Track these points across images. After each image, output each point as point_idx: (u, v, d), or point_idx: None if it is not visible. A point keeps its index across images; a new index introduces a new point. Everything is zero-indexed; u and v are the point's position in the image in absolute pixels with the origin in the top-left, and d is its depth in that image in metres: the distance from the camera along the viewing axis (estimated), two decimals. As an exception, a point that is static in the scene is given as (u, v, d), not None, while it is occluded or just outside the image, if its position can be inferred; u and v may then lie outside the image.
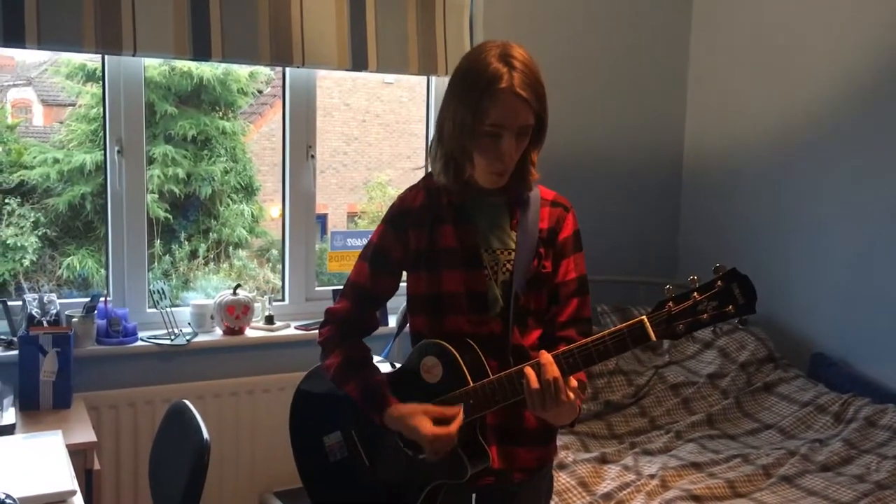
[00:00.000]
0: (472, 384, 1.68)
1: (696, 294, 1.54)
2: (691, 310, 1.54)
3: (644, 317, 1.56)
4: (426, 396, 1.73)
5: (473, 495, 1.87)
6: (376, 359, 1.87)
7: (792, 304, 3.51)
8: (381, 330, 1.95)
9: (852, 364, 3.25)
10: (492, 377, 1.67)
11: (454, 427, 1.65)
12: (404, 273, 1.84)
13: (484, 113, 1.60)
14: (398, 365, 1.88)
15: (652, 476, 2.60)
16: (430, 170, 1.81)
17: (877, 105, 3.17)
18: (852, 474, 2.64)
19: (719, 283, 1.54)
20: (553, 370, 1.56)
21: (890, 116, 3.12)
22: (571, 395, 1.59)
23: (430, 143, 1.78)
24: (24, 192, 4.95)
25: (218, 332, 3.20)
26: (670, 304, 1.55)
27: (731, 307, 1.52)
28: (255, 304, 3.26)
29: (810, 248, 3.44)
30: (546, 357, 1.58)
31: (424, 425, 1.66)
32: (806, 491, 2.54)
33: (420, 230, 1.76)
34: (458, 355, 1.70)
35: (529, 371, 1.58)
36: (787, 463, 2.70)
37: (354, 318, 1.84)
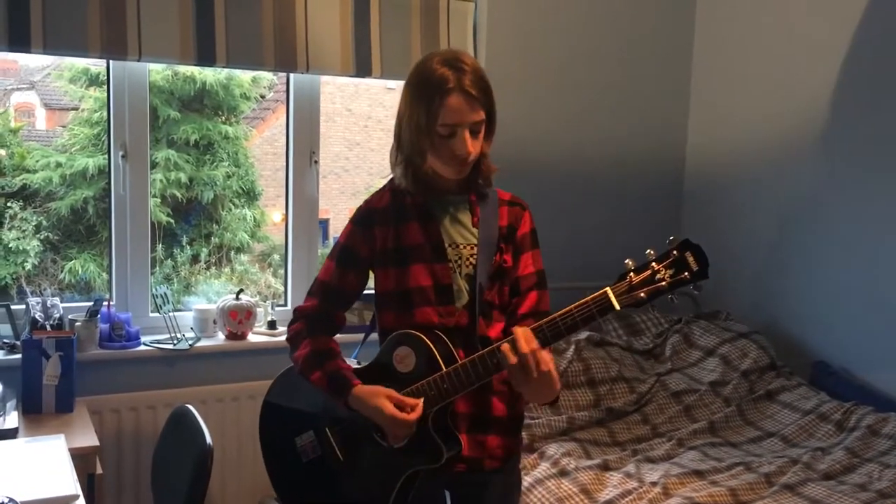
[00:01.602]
0: (444, 369, 1.76)
1: (653, 264, 1.66)
2: (650, 279, 1.66)
3: (608, 288, 1.67)
4: (400, 386, 1.80)
5: (447, 492, 1.92)
6: (349, 361, 1.94)
7: (794, 312, 3.51)
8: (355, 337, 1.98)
9: (855, 372, 3.25)
10: (463, 360, 1.75)
11: (413, 416, 1.73)
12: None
13: (437, 114, 1.73)
14: (365, 363, 1.94)
15: (654, 483, 2.59)
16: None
17: (879, 111, 3.17)
18: (855, 483, 2.63)
19: (674, 252, 1.66)
20: (531, 342, 1.65)
21: (893, 123, 3.12)
22: (551, 365, 1.67)
23: (390, 150, 1.88)
24: (27, 195, 4.95)
25: (220, 336, 3.20)
26: (631, 274, 1.67)
27: (686, 274, 1.64)
28: (258, 309, 3.26)
29: (812, 255, 3.44)
30: (520, 330, 1.66)
31: (386, 406, 1.74)
32: (808, 499, 2.53)
33: (386, 228, 1.86)
34: (430, 344, 1.78)
35: (506, 346, 1.66)
36: (790, 471, 2.69)
37: (322, 314, 1.92)
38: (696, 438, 3.00)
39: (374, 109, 6.76)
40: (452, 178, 1.81)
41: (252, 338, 3.21)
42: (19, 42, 2.70)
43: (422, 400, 1.75)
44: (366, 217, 1.90)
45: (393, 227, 1.85)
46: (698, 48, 3.98)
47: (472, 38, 3.46)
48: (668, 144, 4.02)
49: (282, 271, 3.59)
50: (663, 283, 1.64)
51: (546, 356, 1.66)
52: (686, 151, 4.05)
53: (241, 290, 3.23)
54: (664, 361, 3.46)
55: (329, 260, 1.93)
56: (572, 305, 1.67)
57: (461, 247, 1.85)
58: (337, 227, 6.45)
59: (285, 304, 3.43)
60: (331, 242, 3.93)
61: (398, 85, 6.46)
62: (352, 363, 1.95)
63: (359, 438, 1.86)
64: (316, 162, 3.36)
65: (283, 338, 3.17)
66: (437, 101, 1.72)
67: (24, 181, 4.91)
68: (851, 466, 2.73)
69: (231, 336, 3.17)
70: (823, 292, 3.39)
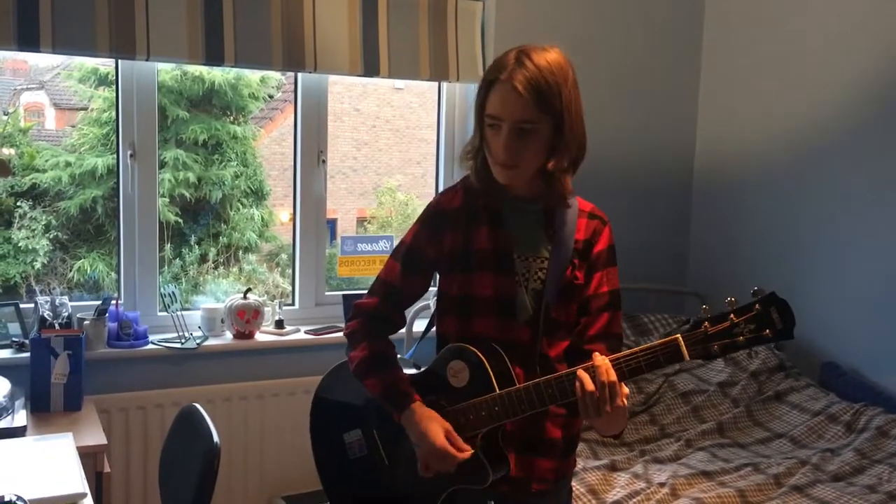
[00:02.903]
0: (497, 391, 1.68)
1: (733, 316, 1.53)
2: (727, 332, 1.53)
3: (679, 336, 1.55)
4: (450, 400, 1.73)
5: (491, 502, 1.85)
6: (400, 357, 1.87)
7: (803, 312, 3.44)
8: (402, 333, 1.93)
9: (864, 373, 3.23)
10: (519, 386, 1.66)
11: (462, 455, 1.66)
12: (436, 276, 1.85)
13: (485, 102, 1.66)
14: (421, 367, 1.88)
15: (662, 484, 2.59)
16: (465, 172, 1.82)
17: (891, 113, 3.15)
18: (864, 484, 2.62)
19: (757, 306, 1.52)
20: (610, 373, 1.55)
21: (903, 124, 3.11)
22: (625, 400, 1.57)
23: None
24: (36, 195, 4.97)
25: (228, 335, 3.20)
26: (706, 324, 1.54)
27: (768, 331, 1.51)
28: (266, 309, 3.27)
29: (822, 255, 3.42)
30: (601, 360, 1.56)
31: (440, 437, 1.67)
32: (817, 501, 2.52)
33: (456, 231, 1.77)
34: (485, 361, 1.69)
35: (583, 374, 1.57)
36: (799, 472, 2.68)
37: (382, 314, 1.84)
38: (704, 439, 2.99)
39: (382, 109, 6.75)
40: (501, 180, 1.69)
41: (260, 337, 3.22)
42: (28, 42, 2.71)
43: (471, 451, 1.68)
44: (435, 218, 1.80)
45: (463, 231, 1.75)
46: (707, 46, 3.97)
47: (481, 37, 3.46)
48: (677, 143, 4.00)
49: (289, 271, 3.59)
50: (740, 339, 1.52)
51: (623, 390, 1.57)
52: (695, 151, 4.04)
53: (248, 290, 3.24)
54: (672, 362, 3.44)
55: (393, 259, 1.84)
56: (637, 349, 1.57)
57: (531, 259, 1.74)
58: (345, 227, 6.46)
59: (293, 304, 3.43)
60: (338, 242, 3.93)
61: (406, 84, 6.42)
62: (405, 366, 1.87)
63: (404, 446, 1.80)
64: (324, 162, 3.36)
65: (292, 336, 3.22)
66: (487, 90, 1.65)
67: (34, 181, 4.93)
68: (861, 468, 2.72)
69: (239, 335, 3.18)
70: (833, 293, 3.38)
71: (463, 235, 1.75)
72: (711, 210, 3.96)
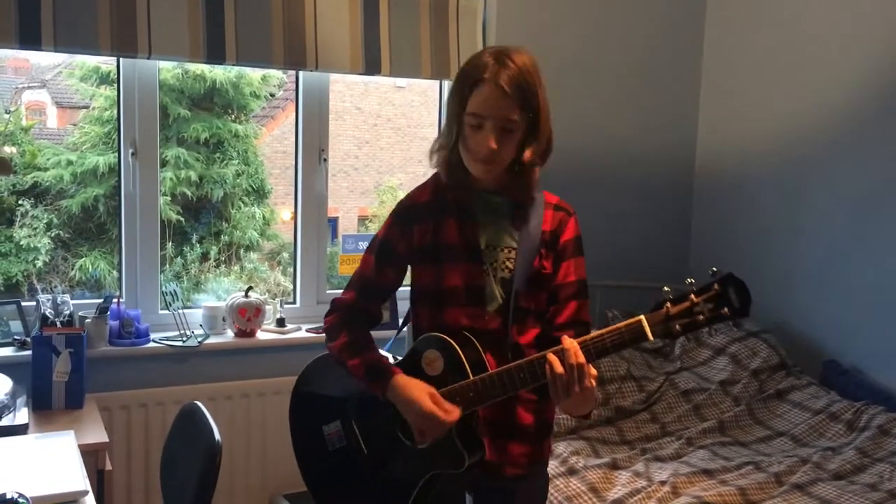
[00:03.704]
0: (472, 377, 1.73)
1: (693, 296, 1.59)
2: (688, 311, 1.59)
3: (642, 316, 1.61)
4: None
5: (469, 496, 1.91)
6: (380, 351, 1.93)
7: (804, 310, 3.49)
8: (386, 334, 1.97)
9: (865, 372, 3.23)
10: (492, 371, 1.72)
11: (451, 417, 1.70)
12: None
13: (467, 101, 1.69)
14: (398, 358, 1.92)
15: (663, 482, 2.59)
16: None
17: (893, 110, 3.15)
18: (865, 483, 2.62)
19: (716, 286, 1.58)
20: (578, 355, 1.60)
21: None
22: (593, 381, 1.63)
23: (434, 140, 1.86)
24: (38, 193, 4.98)
25: (229, 334, 3.21)
26: (668, 304, 1.61)
27: (726, 310, 1.57)
28: (267, 307, 3.27)
29: (823, 254, 3.42)
30: (569, 342, 1.62)
31: (426, 401, 1.71)
32: (818, 499, 2.52)
33: (425, 225, 1.83)
34: (459, 349, 1.75)
35: (553, 357, 1.62)
36: (800, 471, 2.68)
37: (359, 307, 1.90)
38: (705, 437, 2.99)
39: (383, 108, 6.76)
40: (478, 175, 1.75)
41: (261, 335, 3.22)
42: (30, 40, 2.71)
43: (459, 408, 1.71)
44: (405, 213, 1.86)
45: (432, 224, 1.82)
46: (708, 45, 3.97)
47: (482, 35, 3.46)
48: (678, 143, 4.00)
49: (291, 269, 3.59)
50: (701, 318, 1.58)
51: (591, 371, 1.63)
52: (696, 150, 4.04)
53: (250, 288, 3.24)
54: (673, 360, 3.45)
55: (368, 254, 1.90)
56: (604, 330, 1.63)
57: (499, 249, 1.80)
58: (346, 226, 6.47)
59: (294, 302, 3.44)
60: (340, 241, 3.93)
61: (408, 83, 6.42)
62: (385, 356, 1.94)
63: (383, 435, 1.85)
64: (325, 160, 3.36)
65: (294, 335, 3.22)
66: (470, 90, 1.69)
67: (36, 179, 4.94)
68: (862, 466, 2.72)
69: (240, 333, 3.18)
70: (834, 291, 3.38)
71: (432, 229, 1.82)
72: (712, 209, 3.96)
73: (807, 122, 3.48)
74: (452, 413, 1.70)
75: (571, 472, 2.63)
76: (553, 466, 2.67)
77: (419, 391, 1.73)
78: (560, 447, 2.78)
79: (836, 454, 2.80)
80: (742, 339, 3.38)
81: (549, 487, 2.55)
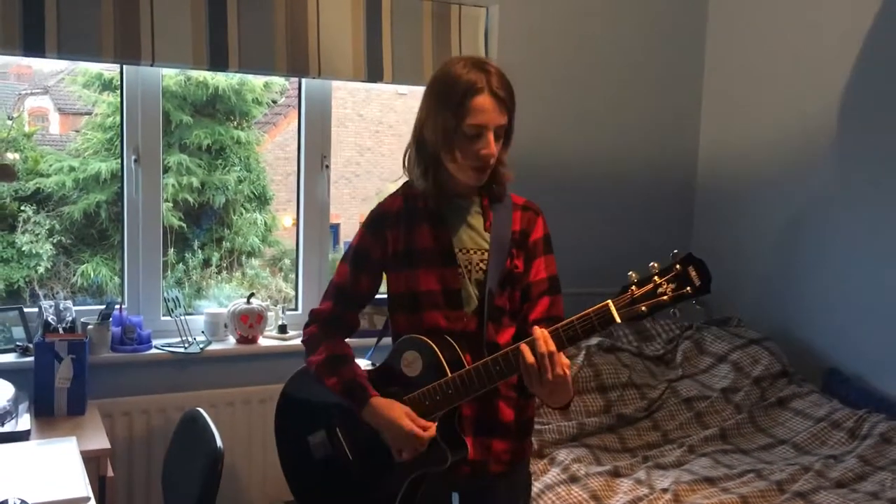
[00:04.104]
0: (450, 376, 1.77)
1: (656, 278, 1.65)
2: (652, 292, 1.65)
3: (609, 301, 1.67)
4: (406, 389, 1.82)
5: (455, 494, 1.95)
6: (361, 361, 1.97)
7: (806, 318, 3.49)
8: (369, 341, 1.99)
9: (867, 380, 3.23)
10: (468, 367, 1.76)
11: (427, 434, 1.76)
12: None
13: (465, 115, 1.73)
14: (377, 363, 1.96)
15: (665, 490, 2.58)
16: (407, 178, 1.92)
17: (895, 117, 3.15)
18: (867, 491, 2.61)
19: (677, 266, 1.65)
20: (549, 343, 1.65)
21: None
22: (567, 369, 1.67)
23: (406, 149, 1.89)
24: (40, 199, 4.98)
25: (231, 340, 3.21)
26: (633, 288, 1.66)
27: (688, 289, 1.63)
28: (269, 314, 3.27)
29: (825, 261, 3.42)
30: (540, 332, 1.67)
31: (403, 420, 1.77)
32: (820, 507, 2.52)
33: (397, 231, 1.87)
34: (437, 349, 1.79)
35: (524, 346, 1.67)
36: (801, 479, 2.68)
37: (336, 316, 1.95)
38: (707, 445, 2.99)
39: (385, 114, 6.77)
40: (471, 183, 1.82)
41: (263, 342, 3.22)
42: (34, 47, 2.72)
43: (435, 425, 1.78)
44: (377, 220, 1.91)
45: (404, 231, 1.86)
46: (710, 47, 3.98)
47: (484, 43, 3.47)
48: (680, 145, 4.01)
49: (293, 276, 3.60)
50: (665, 298, 1.64)
51: (563, 359, 1.67)
52: (698, 152, 4.04)
53: (251, 294, 3.24)
54: (675, 367, 3.44)
55: (343, 263, 1.95)
56: (574, 317, 1.68)
57: (472, 252, 1.85)
58: (348, 232, 6.46)
59: (296, 309, 3.44)
60: (341, 247, 3.94)
61: (409, 90, 6.47)
62: (364, 364, 1.98)
63: (367, 440, 1.88)
64: (327, 167, 3.37)
65: (296, 341, 3.22)
66: (467, 102, 1.73)
67: (38, 185, 4.94)
68: (864, 474, 2.71)
69: (242, 340, 3.18)
70: (836, 299, 3.37)
71: (404, 235, 1.86)
72: (714, 211, 3.96)
73: (808, 129, 3.48)
74: (430, 430, 1.77)
75: (573, 479, 2.63)
76: (554, 474, 2.67)
77: (396, 412, 1.78)
78: (561, 454, 2.78)
79: (838, 462, 2.80)
80: (744, 347, 3.38)
81: (551, 494, 2.56)
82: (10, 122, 5.14)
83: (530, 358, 1.65)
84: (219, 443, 2.02)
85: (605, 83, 3.78)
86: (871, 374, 3.23)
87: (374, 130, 6.72)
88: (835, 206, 3.39)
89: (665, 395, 3.26)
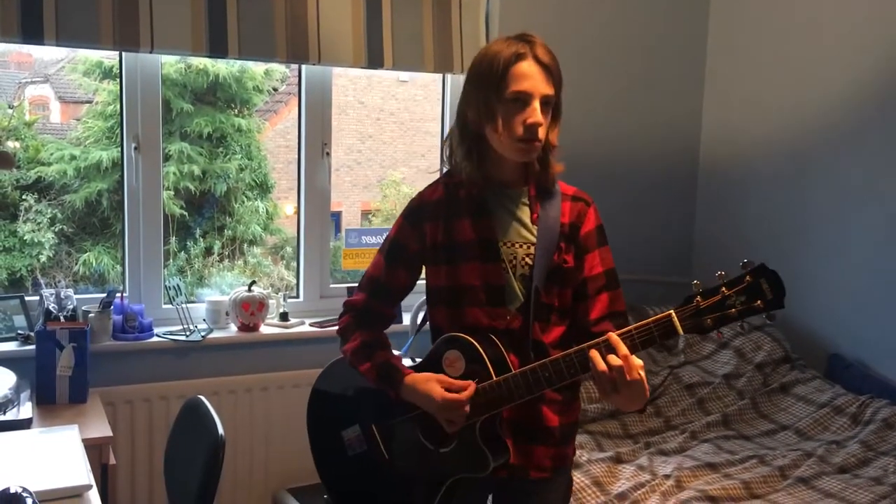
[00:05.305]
0: (494, 378, 1.68)
1: (724, 289, 1.54)
2: (719, 304, 1.53)
3: (672, 311, 1.56)
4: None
5: (490, 495, 1.87)
6: (396, 353, 1.89)
7: (809, 304, 3.48)
8: (399, 327, 1.95)
9: (870, 366, 3.23)
10: (515, 371, 1.67)
11: (465, 395, 1.66)
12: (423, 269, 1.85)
13: (508, 83, 1.64)
14: (418, 360, 1.88)
15: (667, 476, 2.59)
16: (446, 167, 1.82)
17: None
18: (869, 476, 2.62)
19: (748, 278, 1.53)
20: (622, 348, 1.53)
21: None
22: (642, 372, 1.54)
23: (447, 136, 1.80)
24: (42, 188, 4.98)
25: (233, 328, 3.21)
26: (698, 298, 1.54)
27: (759, 302, 1.52)
28: (270, 301, 3.27)
29: (828, 248, 3.41)
30: (613, 337, 1.55)
31: (436, 390, 1.68)
32: (822, 493, 2.52)
33: (436, 223, 1.78)
34: (481, 349, 1.70)
35: (594, 353, 1.55)
36: (804, 464, 2.68)
37: (370, 309, 1.87)
38: (709, 431, 2.99)
39: (386, 102, 6.74)
40: (518, 159, 1.70)
41: (264, 330, 3.22)
42: (32, 35, 2.70)
43: (474, 385, 1.68)
44: (416, 211, 1.82)
45: (443, 222, 1.76)
46: (713, 38, 3.95)
47: (485, 28, 3.44)
48: (682, 136, 3.99)
49: (294, 264, 3.59)
50: (733, 311, 1.52)
51: (637, 363, 1.54)
52: (700, 143, 4.02)
53: (253, 282, 3.24)
54: (677, 354, 3.44)
55: (379, 254, 1.86)
56: (632, 326, 1.57)
57: (517, 245, 1.74)
58: (349, 220, 6.46)
59: (298, 297, 3.43)
60: (343, 235, 3.92)
61: (411, 77, 6.42)
62: (403, 360, 1.89)
63: (405, 440, 1.82)
64: (328, 154, 3.36)
65: (297, 329, 3.22)
66: (510, 69, 1.63)
67: (39, 174, 4.94)
68: (866, 460, 2.71)
69: (243, 328, 3.18)
70: (839, 285, 3.37)
71: (444, 227, 1.77)
72: (716, 202, 3.95)
73: (810, 119, 3.47)
74: (467, 391, 1.67)
75: (575, 465, 2.62)
76: (557, 460, 2.67)
77: (431, 385, 1.70)
78: (564, 441, 2.78)
79: (841, 448, 2.80)
80: (746, 333, 3.37)
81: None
82: (10, 111, 5.13)
83: (602, 365, 1.53)
84: (220, 430, 2.02)
85: (606, 71, 3.75)
86: (874, 359, 3.22)
87: (375, 118, 6.70)
88: (835, 195, 3.37)
89: (667, 381, 3.26)
